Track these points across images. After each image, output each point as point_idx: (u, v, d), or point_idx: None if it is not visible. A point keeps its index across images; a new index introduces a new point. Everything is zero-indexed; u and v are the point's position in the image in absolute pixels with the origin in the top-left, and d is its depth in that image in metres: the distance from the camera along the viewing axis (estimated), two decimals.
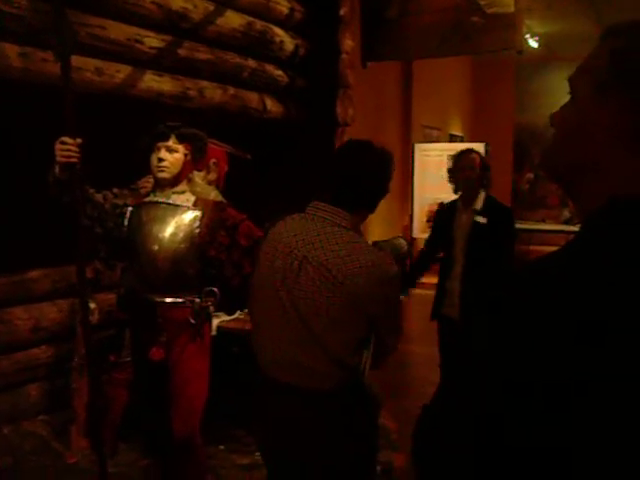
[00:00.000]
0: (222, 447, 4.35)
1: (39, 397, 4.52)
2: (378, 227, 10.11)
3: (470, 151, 4.38)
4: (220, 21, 4.46)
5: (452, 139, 13.54)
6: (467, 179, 4.28)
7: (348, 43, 5.40)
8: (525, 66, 13.72)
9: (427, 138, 12.00)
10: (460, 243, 4.29)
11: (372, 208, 2.42)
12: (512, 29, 4.80)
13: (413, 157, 10.69)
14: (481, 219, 4.22)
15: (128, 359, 3.42)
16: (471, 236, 4.26)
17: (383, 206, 2.78)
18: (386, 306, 2.32)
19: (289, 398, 2.36)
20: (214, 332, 4.17)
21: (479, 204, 4.27)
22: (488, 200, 4.31)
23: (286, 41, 5.16)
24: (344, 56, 5.40)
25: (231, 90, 4.75)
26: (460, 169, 4.32)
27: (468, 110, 14.72)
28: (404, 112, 11.35)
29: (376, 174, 2.37)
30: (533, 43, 12.20)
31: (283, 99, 5.31)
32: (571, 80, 1.01)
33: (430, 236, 4.75)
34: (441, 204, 4.83)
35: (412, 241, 9.57)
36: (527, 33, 11.37)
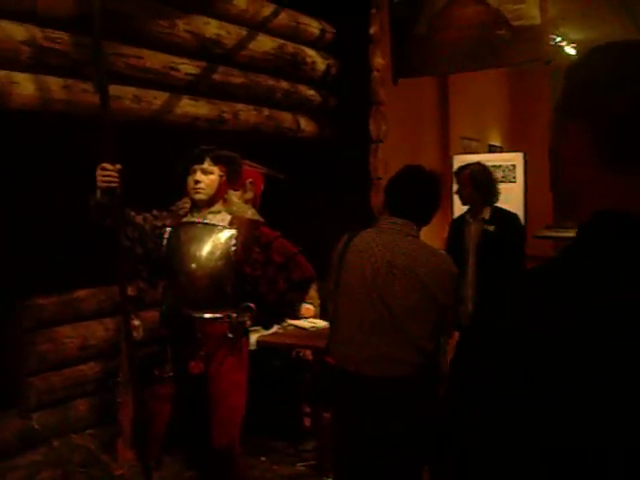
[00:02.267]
0: (264, 458, 4.45)
1: (87, 412, 4.67)
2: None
3: (464, 168, 4.62)
4: (252, 45, 4.60)
5: (491, 150, 13.49)
6: (461, 196, 4.58)
7: (379, 61, 5.50)
8: (562, 74, 13.64)
9: (466, 150, 11.99)
10: (471, 251, 4.50)
11: (429, 220, 2.96)
12: (539, 41, 4.86)
13: (452, 169, 10.70)
14: (490, 227, 4.45)
15: (171, 374, 3.52)
16: (481, 244, 4.48)
17: None
18: (452, 297, 2.81)
19: (376, 388, 2.74)
20: (254, 347, 4.28)
21: (487, 214, 4.50)
22: (495, 209, 4.53)
23: (318, 61, 5.29)
24: (375, 74, 5.49)
25: (265, 111, 4.88)
26: (459, 185, 4.62)
27: (506, 120, 14.66)
28: (442, 125, 11.37)
29: (433, 193, 2.92)
30: (570, 50, 12.11)
31: (316, 118, 5.43)
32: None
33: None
34: (452, 220, 5.04)
35: None
36: (563, 40, 11.32)
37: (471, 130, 12.56)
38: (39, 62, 3.37)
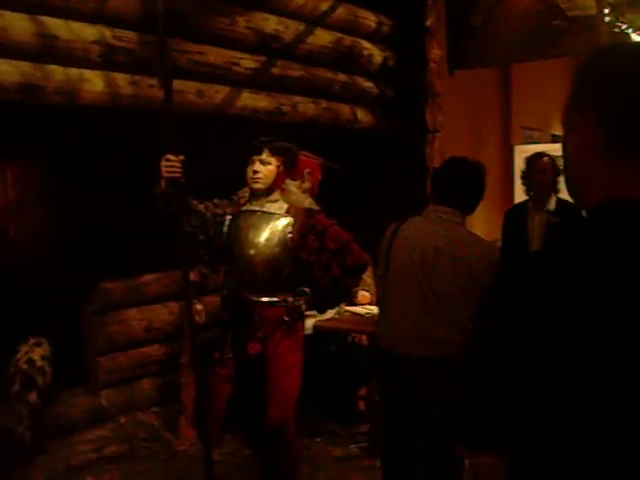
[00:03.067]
0: (318, 439, 4.61)
1: (152, 391, 4.91)
2: (480, 229, 10.04)
3: (543, 155, 4.51)
4: (310, 39, 4.73)
5: (554, 140, 13.28)
6: (539, 182, 4.44)
7: (435, 52, 5.57)
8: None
9: (527, 140, 11.85)
10: (535, 242, 4.42)
11: (474, 209, 3.08)
12: (595, 30, 4.86)
13: (513, 160, 10.60)
14: (555, 219, 4.36)
15: (230, 356, 3.69)
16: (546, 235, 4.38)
17: (484, 209, 3.16)
18: None
19: (422, 368, 2.87)
20: (310, 331, 4.43)
21: (552, 205, 4.43)
22: (560, 201, 4.44)
23: (375, 54, 5.38)
24: (432, 65, 5.56)
25: (323, 103, 5.01)
26: (533, 172, 4.49)
27: None
28: (503, 115, 11.27)
29: (477, 183, 3.04)
30: (637, 37, 11.85)
31: (373, 109, 5.52)
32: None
33: (504, 244, 4.76)
34: (508, 209, 4.95)
35: None
36: (629, 28, 11.09)
37: (533, 120, 12.39)
38: (108, 60, 3.58)
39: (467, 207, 3.03)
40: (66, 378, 4.55)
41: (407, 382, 2.93)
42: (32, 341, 4.38)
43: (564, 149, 1.12)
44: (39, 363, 4.31)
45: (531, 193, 4.59)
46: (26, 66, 3.30)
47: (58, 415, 4.52)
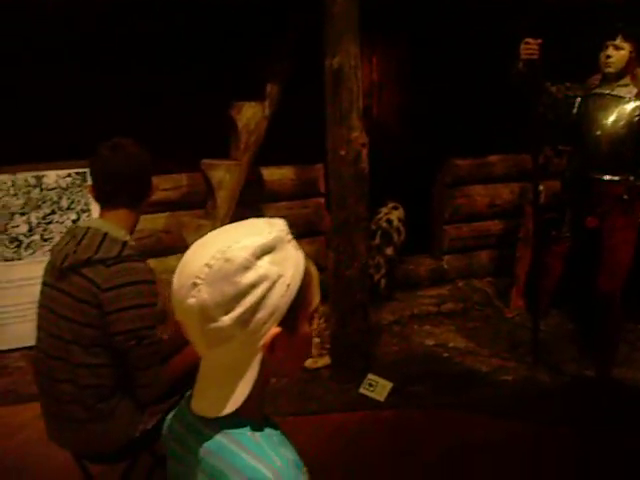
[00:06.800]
0: None
1: (488, 261, 5.43)
2: None
3: None
4: None
5: None
6: None
7: None
8: None
9: None
10: None
11: None
12: None
13: None
14: None
15: (567, 235, 3.97)
16: None
17: None
18: None
19: None
20: None
21: None
22: None
23: None
24: None
25: None
26: None
27: None
28: None
29: None
30: None
31: None
32: None
33: None
34: None
35: None
36: None
37: None
38: None
39: None
40: (415, 242, 5.23)
41: None
42: (391, 205, 5.11)
43: None
44: (396, 224, 5.03)
45: None
46: None
47: (406, 272, 5.25)
